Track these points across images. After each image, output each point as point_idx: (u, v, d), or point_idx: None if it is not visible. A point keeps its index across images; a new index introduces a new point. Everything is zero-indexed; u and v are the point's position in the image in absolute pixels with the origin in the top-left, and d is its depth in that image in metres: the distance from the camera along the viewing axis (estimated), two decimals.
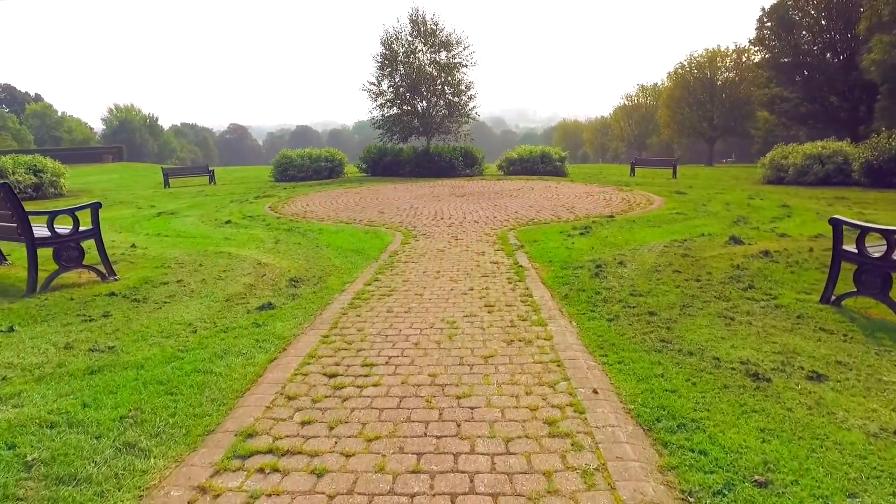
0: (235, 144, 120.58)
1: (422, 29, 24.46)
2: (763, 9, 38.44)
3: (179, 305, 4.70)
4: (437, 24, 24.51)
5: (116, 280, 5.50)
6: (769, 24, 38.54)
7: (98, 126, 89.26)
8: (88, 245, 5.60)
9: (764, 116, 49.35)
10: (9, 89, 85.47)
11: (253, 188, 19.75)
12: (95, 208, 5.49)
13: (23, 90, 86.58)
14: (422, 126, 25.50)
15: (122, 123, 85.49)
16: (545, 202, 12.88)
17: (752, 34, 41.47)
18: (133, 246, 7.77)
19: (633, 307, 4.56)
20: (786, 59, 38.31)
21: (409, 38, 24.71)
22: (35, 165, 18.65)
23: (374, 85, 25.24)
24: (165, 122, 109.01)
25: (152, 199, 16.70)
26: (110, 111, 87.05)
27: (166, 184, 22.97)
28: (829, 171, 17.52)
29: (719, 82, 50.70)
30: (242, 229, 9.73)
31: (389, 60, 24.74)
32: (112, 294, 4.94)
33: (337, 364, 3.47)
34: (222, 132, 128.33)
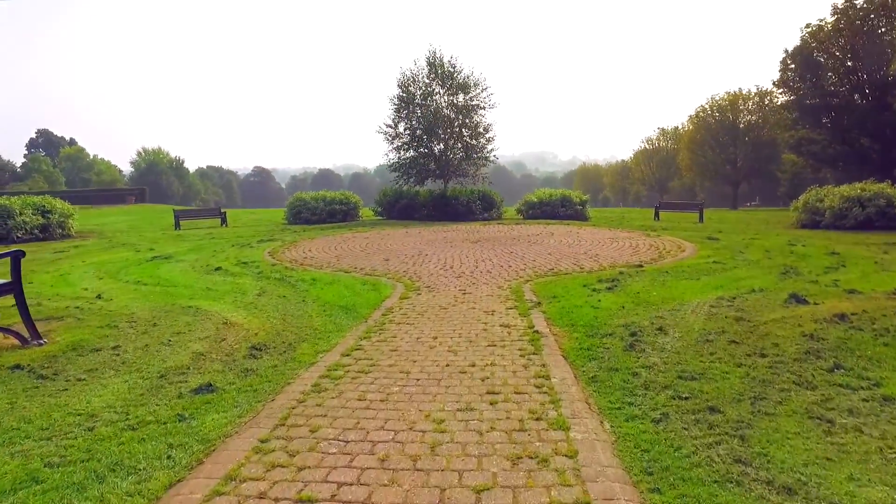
0: (259, 187, 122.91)
1: (439, 71, 24.19)
2: (786, 50, 37.74)
3: (96, 384, 3.69)
4: (454, 67, 24.25)
5: (41, 344, 4.54)
6: (793, 65, 37.75)
7: (127, 168, 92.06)
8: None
9: (790, 159, 48.00)
10: (46, 134, 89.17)
11: (262, 231, 19.11)
12: (16, 258, 4.60)
13: (59, 134, 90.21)
14: (438, 169, 24.88)
15: (149, 166, 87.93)
16: (566, 249, 11.78)
17: (775, 76, 40.72)
18: (99, 297, 6.88)
19: (686, 398, 3.39)
20: (812, 101, 37.28)
21: (427, 81, 24.44)
22: (44, 206, 18.38)
23: (391, 127, 24.87)
24: (193, 165, 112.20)
25: (156, 242, 16.09)
26: (139, 154, 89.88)
27: (177, 226, 22.57)
28: (871, 214, 16.17)
29: (742, 125, 49.78)
30: (230, 278, 8.84)
31: (406, 103, 24.41)
32: (16, 367, 3.96)
33: (260, 496, 2.38)
34: (247, 175, 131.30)
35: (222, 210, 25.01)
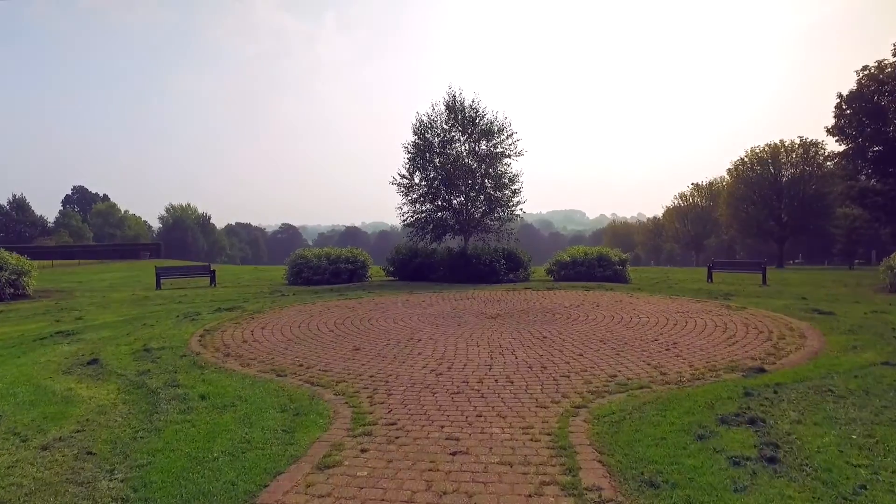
0: (286, 244, 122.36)
1: (460, 116, 21.41)
2: (840, 95, 34.24)
3: None
4: (476, 111, 21.45)
5: None
6: (849, 111, 34.17)
7: (156, 224, 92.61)
8: None
9: (844, 213, 43.35)
10: (81, 190, 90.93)
11: (246, 293, 16.00)
12: None
13: (93, 191, 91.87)
14: (458, 224, 21.68)
15: (176, 221, 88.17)
16: (624, 332, 8.05)
17: (828, 123, 36.89)
18: None
19: None
20: (875, 148, 33.39)
21: (446, 127, 21.64)
22: None
23: (406, 178, 21.90)
24: (222, 221, 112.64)
25: (104, 307, 13.02)
26: (167, 210, 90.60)
27: (158, 285, 19.71)
28: None
29: (785, 178, 45.39)
30: (81, 386, 5.46)
31: (422, 150, 21.57)
32: None
33: None
34: (274, 231, 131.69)
35: (212, 268, 22.16)
